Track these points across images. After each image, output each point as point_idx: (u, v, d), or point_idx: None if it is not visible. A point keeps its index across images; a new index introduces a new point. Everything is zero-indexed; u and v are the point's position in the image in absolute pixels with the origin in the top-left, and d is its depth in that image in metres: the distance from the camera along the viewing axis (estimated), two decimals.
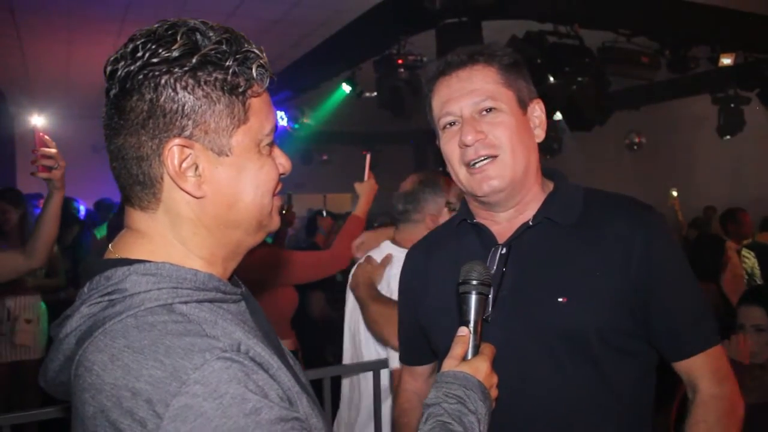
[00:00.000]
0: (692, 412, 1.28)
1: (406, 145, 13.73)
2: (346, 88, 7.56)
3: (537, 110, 1.38)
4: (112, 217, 5.62)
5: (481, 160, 1.29)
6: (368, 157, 2.88)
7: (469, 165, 1.31)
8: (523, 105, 1.34)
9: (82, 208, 7.42)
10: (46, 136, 2.37)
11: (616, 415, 1.26)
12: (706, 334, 1.30)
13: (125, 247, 0.88)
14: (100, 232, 6.17)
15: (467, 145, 1.29)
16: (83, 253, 5.92)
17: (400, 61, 6.09)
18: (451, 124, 1.33)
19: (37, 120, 2.49)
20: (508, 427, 1.24)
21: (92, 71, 7.83)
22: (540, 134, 1.37)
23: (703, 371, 1.28)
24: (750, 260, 5.05)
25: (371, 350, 2.25)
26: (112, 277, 0.82)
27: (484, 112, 1.30)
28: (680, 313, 1.28)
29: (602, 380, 1.25)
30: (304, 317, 4.42)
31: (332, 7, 5.96)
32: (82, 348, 0.80)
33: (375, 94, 6.63)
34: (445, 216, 2.13)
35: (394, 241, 2.30)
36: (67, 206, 6.11)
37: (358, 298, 2.18)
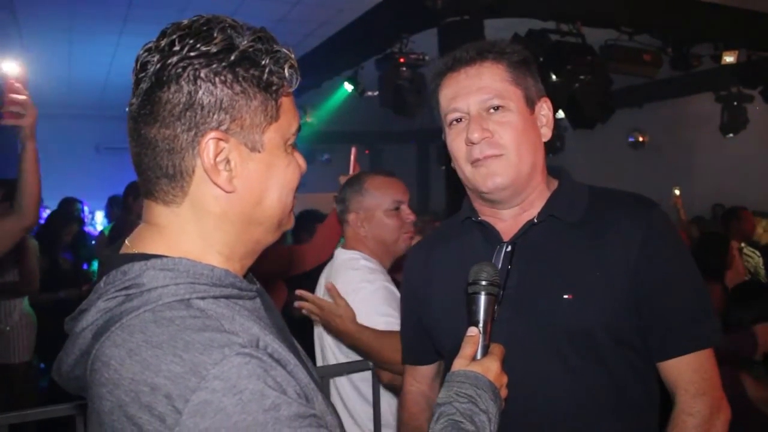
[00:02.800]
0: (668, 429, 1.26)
1: (409, 144, 13.71)
2: (348, 87, 7.55)
3: (544, 109, 1.37)
4: (119, 216, 5.61)
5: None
6: (354, 150, 2.93)
7: (474, 162, 1.31)
8: (531, 104, 1.33)
9: (87, 209, 7.41)
10: (18, 84, 2.21)
11: (623, 411, 1.26)
12: (697, 336, 1.25)
13: (142, 241, 0.88)
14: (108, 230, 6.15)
15: (473, 143, 1.28)
16: (86, 252, 5.91)
17: (402, 60, 6.08)
18: (458, 120, 1.32)
19: (9, 66, 2.26)
20: (518, 424, 1.24)
21: (94, 70, 7.82)
22: (547, 133, 1.37)
23: (680, 379, 1.24)
24: (754, 259, 5.02)
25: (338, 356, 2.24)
26: (128, 271, 0.82)
27: (492, 110, 1.29)
28: (671, 312, 1.25)
29: (609, 376, 1.25)
30: (311, 322, 4.40)
31: (333, 6, 5.95)
32: (98, 342, 0.79)
33: (377, 92, 6.62)
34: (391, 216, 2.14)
35: (342, 245, 2.33)
36: (69, 206, 6.09)
37: (344, 332, 2.07)
